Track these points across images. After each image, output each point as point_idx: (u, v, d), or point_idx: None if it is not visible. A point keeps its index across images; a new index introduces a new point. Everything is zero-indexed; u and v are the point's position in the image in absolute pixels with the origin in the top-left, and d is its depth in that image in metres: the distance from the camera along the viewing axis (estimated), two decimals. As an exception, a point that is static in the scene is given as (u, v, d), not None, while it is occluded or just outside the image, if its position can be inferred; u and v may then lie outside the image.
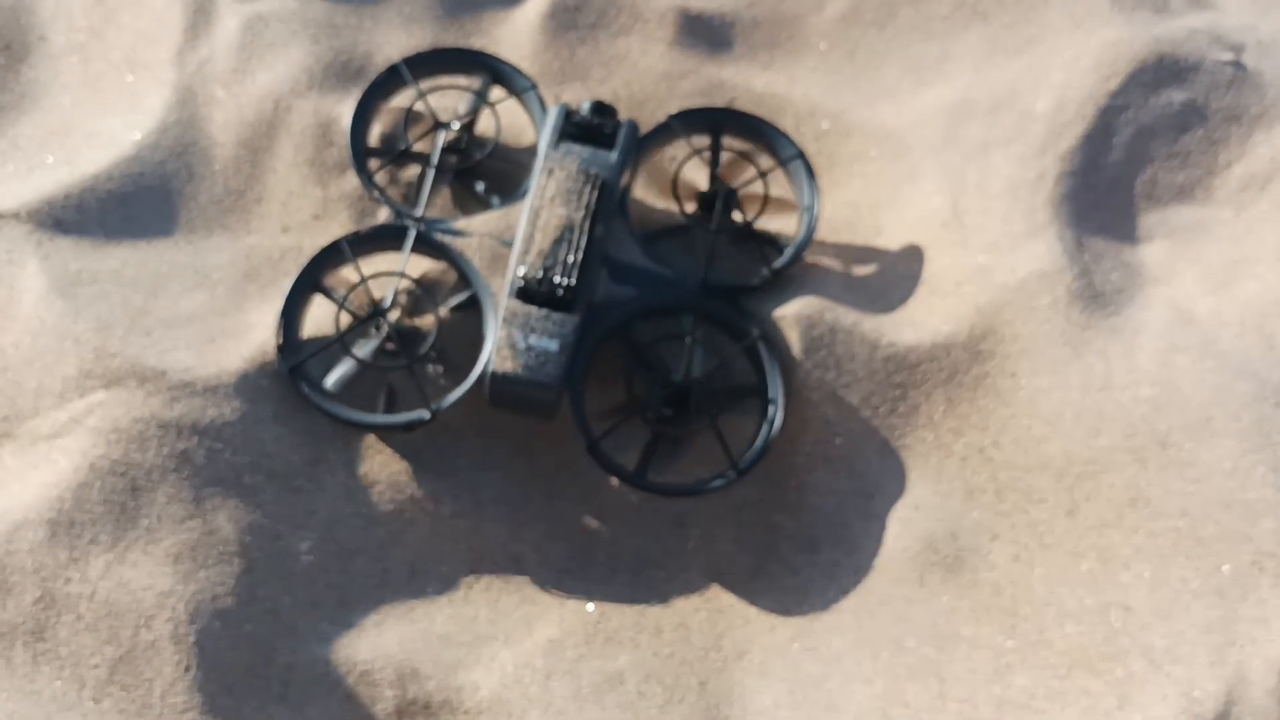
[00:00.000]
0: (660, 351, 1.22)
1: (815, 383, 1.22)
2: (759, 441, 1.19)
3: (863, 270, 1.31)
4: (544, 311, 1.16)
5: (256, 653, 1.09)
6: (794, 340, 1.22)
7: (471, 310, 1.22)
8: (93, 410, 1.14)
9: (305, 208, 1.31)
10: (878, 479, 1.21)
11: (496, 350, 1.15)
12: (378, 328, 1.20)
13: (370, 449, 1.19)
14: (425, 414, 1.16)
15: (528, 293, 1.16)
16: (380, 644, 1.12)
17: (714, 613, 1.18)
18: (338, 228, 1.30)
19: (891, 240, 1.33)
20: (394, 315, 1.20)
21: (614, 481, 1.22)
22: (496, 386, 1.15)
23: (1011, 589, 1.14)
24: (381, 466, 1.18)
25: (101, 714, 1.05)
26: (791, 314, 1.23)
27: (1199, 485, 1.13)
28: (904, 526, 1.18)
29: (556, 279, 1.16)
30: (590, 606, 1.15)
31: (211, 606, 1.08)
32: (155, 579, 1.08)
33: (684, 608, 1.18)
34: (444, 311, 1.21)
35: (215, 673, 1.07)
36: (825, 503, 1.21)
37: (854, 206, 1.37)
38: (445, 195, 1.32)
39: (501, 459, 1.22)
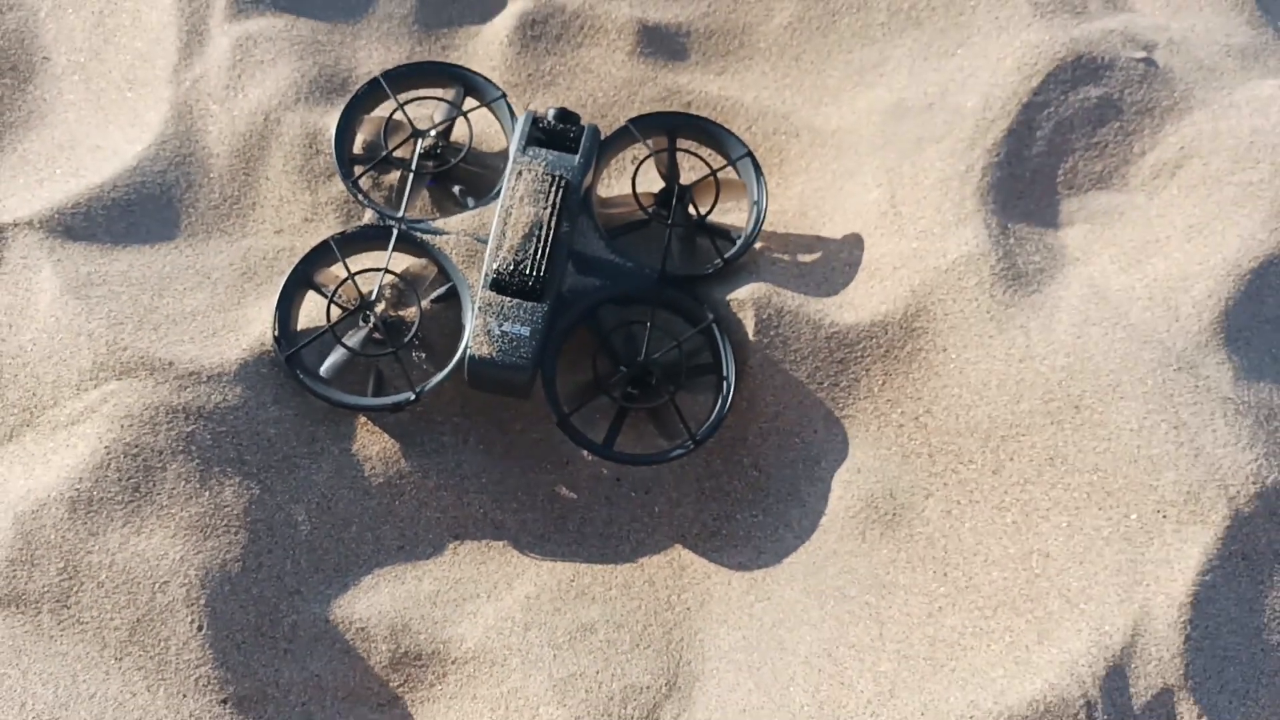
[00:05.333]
0: (624, 335, 1.34)
1: (765, 361, 1.34)
2: (714, 414, 1.31)
3: (808, 258, 1.44)
4: (516, 301, 1.28)
5: (263, 613, 1.20)
6: (746, 322, 1.34)
7: (451, 302, 1.34)
8: (107, 399, 1.25)
9: (296, 212, 1.43)
10: (823, 446, 1.33)
11: (473, 336, 1.26)
12: (366, 319, 1.31)
13: (361, 429, 1.30)
14: (410, 395, 1.27)
15: (500, 284, 1.28)
16: (375, 603, 1.23)
17: (677, 570, 1.30)
18: (326, 229, 1.41)
19: (835, 230, 1.45)
20: (380, 307, 1.32)
21: (585, 454, 1.34)
22: (474, 369, 1.27)
23: (943, 541, 1.26)
24: (372, 443, 1.29)
25: (123, 671, 1.17)
26: (742, 298, 1.35)
27: (1109, 444, 1.25)
28: (846, 488, 1.30)
29: (527, 271, 1.28)
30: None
31: (221, 572, 1.20)
32: (168, 548, 1.20)
33: (650, 565, 1.30)
34: (426, 303, 1.33)
35: (226, 632, 1.18)
36: (776, 470, 1.33)
37: (800, 200, 1.50)
38: (424, 198, 1.44)
39: (481, 436, 1.33)
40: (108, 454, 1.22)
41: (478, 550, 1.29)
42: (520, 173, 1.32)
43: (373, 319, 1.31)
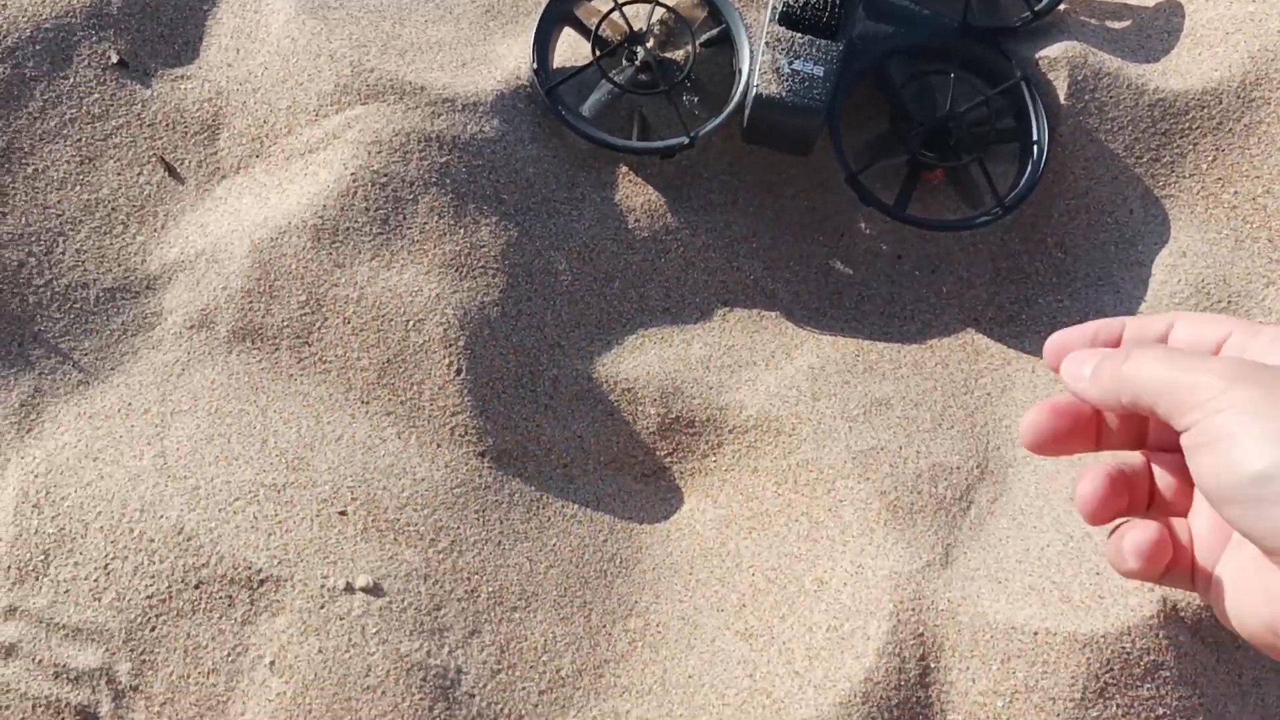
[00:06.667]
0: (917, 90, 1.18)
1: (1077, 129, 1.17)
2: (1024, 180, 1.15)
3: (1118, 25, 1.26)
4: (808, 38, 1.12)
5: (523, 364, 1.08)
6: (1058, 84, 1.18)
7: (721, 46, 1.19)
8: (351, 124, 1.12)
9: (544, -53, 1.28)
10: (1139, 227, 1.17)
11: (760, 73, 1.11)
12: (631, 57, 1.17)
13: (624, 177, 1.16)
14: (685, 139, 1.13)
15: (791, 18, 1.13)
16: (642, 364, 1.10)
17: (972, 353, 1.15)
18: (576, -31, 1.26)
19: (1146, -2, 1.27)
20: (649, 44, 1.17)
21: (863, 227, 1.19)
22: (758, 111, 1.12)
23: (1291, 332, 1.10)
24: (636, 194, 1.16)
25: (370, 415, 1.05)
26: (1054, 56, 1.18)
27: None
28: (1170, 272, 1.14)
29: (820, 4, 1.12)
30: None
31: (479, 314, 1.07)
32: (423, 284, 1.07)
33: (940, 347, 1.15)
34: (698, 44, 1.18)
35: (485, 378, 1.06)
36: (1084, 252, 1.17)
37: (1101, -32, 1.32)
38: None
39: (752, 199, 1.19)
40: (354, 181, 1.10)
41: (749, 319, 1.15)
42: (809, -98, 1.15)
43: (641, 54, 1.16)
